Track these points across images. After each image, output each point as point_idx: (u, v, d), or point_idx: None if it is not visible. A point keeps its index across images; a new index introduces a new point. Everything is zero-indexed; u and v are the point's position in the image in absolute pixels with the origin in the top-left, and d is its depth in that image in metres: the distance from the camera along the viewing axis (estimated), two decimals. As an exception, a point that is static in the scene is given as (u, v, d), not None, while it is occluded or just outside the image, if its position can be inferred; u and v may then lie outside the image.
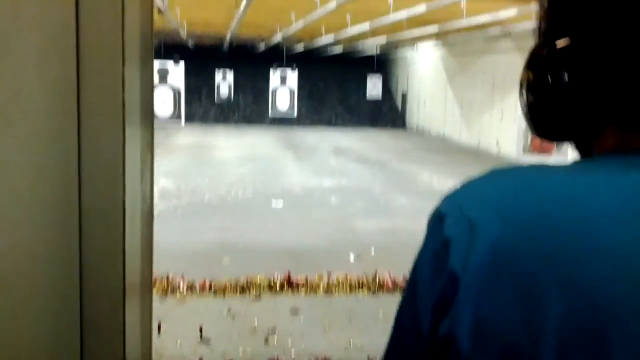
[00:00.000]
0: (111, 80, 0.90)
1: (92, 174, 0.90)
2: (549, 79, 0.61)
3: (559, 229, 0.53)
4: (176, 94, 10.18)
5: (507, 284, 0.53)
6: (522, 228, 0.54)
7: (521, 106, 0.66)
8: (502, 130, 15.07)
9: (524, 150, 11.56)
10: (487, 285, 0.54)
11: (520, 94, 0.66)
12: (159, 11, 7.73)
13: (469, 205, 0.58)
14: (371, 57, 20.71)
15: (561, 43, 0.61)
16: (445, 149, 16.64)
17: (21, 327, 0.88)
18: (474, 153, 15.64)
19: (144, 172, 1.25)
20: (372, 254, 6.36)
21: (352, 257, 6.21)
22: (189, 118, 20.32)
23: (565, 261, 0.51)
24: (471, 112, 17.11)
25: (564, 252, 0.52)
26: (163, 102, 10.16)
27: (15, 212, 0.86)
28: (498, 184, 0.59)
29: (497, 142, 15.38)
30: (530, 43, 0.70)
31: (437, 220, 0.61)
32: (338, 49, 18.72)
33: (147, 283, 1.45)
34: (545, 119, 0.63)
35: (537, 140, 10.78)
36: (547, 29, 0.65)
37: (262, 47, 17.83)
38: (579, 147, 0.66)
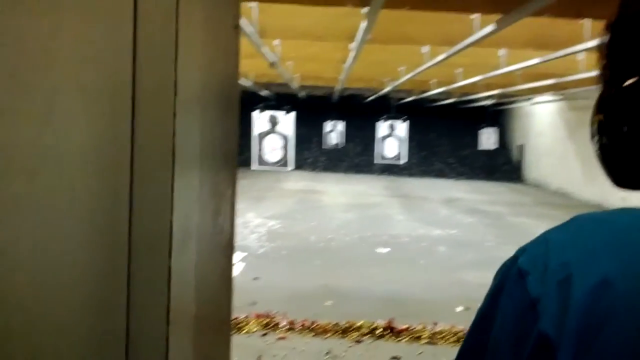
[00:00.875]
0: (163, 123, 0.86)
1: (141, 207, 0.86)
2: (620, 119, 0.57)
3: None
4: (285, 140, 10.50)
5: (619, 340, 0.47)
6: (630, 274, 0.48)
7: (596, 154, 0.63)
8: (628, 186, 13.98)
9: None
10: (591, 345, 0.47)
11: (593, 140, 0.63)
12: (272, 64, 8.08)
13: (557, 257, 0.53)
14: (484, 108, 20.29)
15: (629, 81, 0.58)
16: (565, 204, 15.70)
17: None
18: (597, 209, 14.56)
19: (223, 207, 1.26)
20: (481, 306, 6.02)
21: (458, 309, 5.91)
22: (299, 165, 20.88)
23: None
24: (594, 168, 15.99)
25: None
26: (273, 149, 10.50)
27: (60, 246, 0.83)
28: (589, 231, 0.54)
29: (624, 199, 14.27)
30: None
31: (516, 278, 0.55)
32: (449, 99, 18.56)
33: (223, 317, 1.43)
34: (624, 163, 0.59)
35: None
36: (612, 74, 0.62)
37: (371, 97, 18.09)
38: None
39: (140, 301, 0.84)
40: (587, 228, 0.54)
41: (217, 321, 1.33)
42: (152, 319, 0.84)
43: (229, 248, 1.41)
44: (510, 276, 0.56)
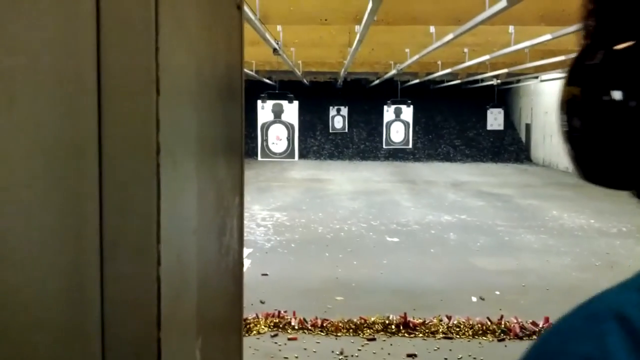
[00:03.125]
0: (140, 112, 0.75)
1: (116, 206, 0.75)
2: (605, 95, 0.43)
3: None
4: (290, 130, 10.27)
5: None
6: None
7: (562, 137, 0.48)
8: (640, 163, 13.74)
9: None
10: None
11: (561, 120, 0.47)
12: (275, 51, 7.84)
13: None
14: (491, 88, 19.96)
15: (622, 45, 0.43)
16: (575, 183, 15.42)
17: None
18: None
19: (230, 205, 1.18)
20: (497, 295, 5.81)
21: (474, 299, 5.71)
22: (304, 154, 20.66)
23: None
24: (603, 144, 15.81)
25: None
26: (279, 138, 10.28)
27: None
28: None
29: (635, 176, 14.03)
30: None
31: (595, 341, 0.40)
32: (455, 81, 18.24)
33: (234, 322, 1.33)
34: (598, 155, 0.45)
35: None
36: (598, 31, 0.46)
37: (376, 81, 17.80)
38: None
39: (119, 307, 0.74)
40: None
41: (227, 326, 1.24)
42: (137, 322, 0.73)
43: (236, 252, 1.30)
44: (586, 335, 0.40)
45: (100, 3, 0.71)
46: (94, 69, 0.72)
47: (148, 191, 0.73)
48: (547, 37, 7.00)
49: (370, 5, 4.75)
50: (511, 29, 7.49)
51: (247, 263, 6.93)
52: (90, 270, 0.72)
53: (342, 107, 19.35)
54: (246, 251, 7.48)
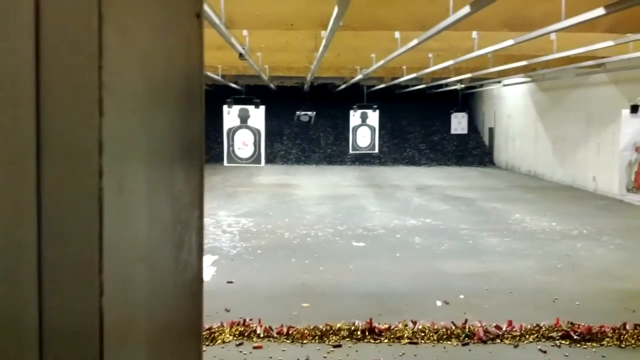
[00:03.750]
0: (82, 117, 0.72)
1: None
2: None
3: None
4: (257, 135, 10.20)
5: None
6: None
7: None
8: (599, 166, 14.08)
9: (628, 188, 10.64)
10: None
11: None
12: (240, 56, 7.77)
13: None
14: (454, 92, 20.23)
15: None
16: (537, 186, 15.74)
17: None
18: (569, 190, 14.67)
19: (188, 220, 1.09)
20: (461, 299, 5.86)
21: (439, 303, 5.74)
22: (271, 158, 20.56)
23: None
24: (564, 148, 16.16)
25: None
26: (245, 144, 10.20)
27: None
28: None
29: (594, 179, 14.37)
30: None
31: None
32: (420, 85, 18.43)
33: (193, 340, 1.27)
34: None
35: (643, 176, 9.90)
36: None
37: (342, 86, 17.85)
38: None
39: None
40: None
41: (185, 345, 1.17)
42: (79, 356, 0.69)
43: (196, 283, 1.26)
44: None
45: (40, 19, 0.68)
46: (32, 87, 0.68)
47: (90, 219, 0.69)
48: (510, 42, 7.10)
49: (336, 10, 4.74)
50: (475, 34, 7.59)
51: (212, 270, 6.83)
52: (27, 305, 0.68)
53: (308, 112, 19.38)
54: (212, 258, 7.38)
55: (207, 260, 7.23)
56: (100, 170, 0.69)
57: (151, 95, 0.93)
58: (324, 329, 4.79)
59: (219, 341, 4.61)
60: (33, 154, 0.69)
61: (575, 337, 4.76)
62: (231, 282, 6.32)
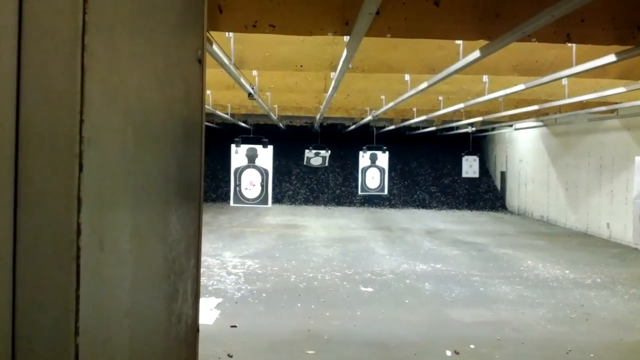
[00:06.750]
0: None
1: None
2: None
3: None
4: (264, 175, 10.14)
5: None
6: None
7: None
8: (612, 213, 13.86)
9: (643, 235, 10.37)
10: None
11: None
12: (250, 96, 7.79)
13: None
14: (466, 135, 20.18)
15: None
16: (550, 232, 15.48)
17: None
18: (582, 237, 14.41)
19: (183, 269, 1.10)
20: (472, 349, 5.63)
21: (448, 353, 5.52)
22: (279, 198, 20.49)
23: None
24: (577, 194, 15.96)
25: None
26: (252, 184, 10.13)
27: None
28: None
29: (608, 226, 14.12)
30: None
31: None
32: (430, 128, 18.43)
33: None
34: None
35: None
36: None
37: (352, 127, 17.88)
38: None
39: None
40: None
41: None
42: None
43: (191, 334, 1.20)
44: None
45: (21, 71, 0.66)
46: (12, 142, 0.66)
47: (65, 279, 0.66)
48: (521, 87, 7.06)
49: (345, 53, 4.71)
50: (485, 78, 7.56)
51: (215, 314, 6.66)
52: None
53: (320, 150, 19.32)
54: (215, 301, 7.21)
55: (211, 303, 7.06)
56: (79, 227, 0.65)
57: (142, 144, 0.87)
58: (328, 380, 4.59)
59: (218, 390, 4.42)
60: (10, 216, 0.64)
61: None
62: (235, 326, 6.14)
